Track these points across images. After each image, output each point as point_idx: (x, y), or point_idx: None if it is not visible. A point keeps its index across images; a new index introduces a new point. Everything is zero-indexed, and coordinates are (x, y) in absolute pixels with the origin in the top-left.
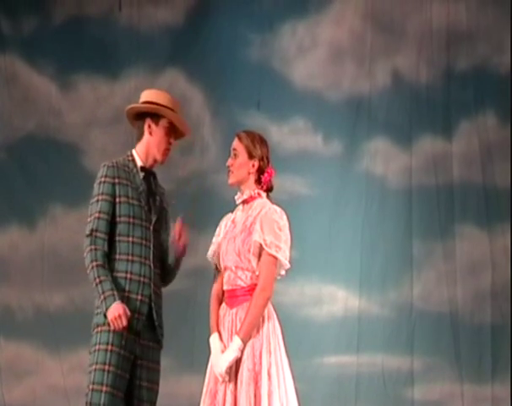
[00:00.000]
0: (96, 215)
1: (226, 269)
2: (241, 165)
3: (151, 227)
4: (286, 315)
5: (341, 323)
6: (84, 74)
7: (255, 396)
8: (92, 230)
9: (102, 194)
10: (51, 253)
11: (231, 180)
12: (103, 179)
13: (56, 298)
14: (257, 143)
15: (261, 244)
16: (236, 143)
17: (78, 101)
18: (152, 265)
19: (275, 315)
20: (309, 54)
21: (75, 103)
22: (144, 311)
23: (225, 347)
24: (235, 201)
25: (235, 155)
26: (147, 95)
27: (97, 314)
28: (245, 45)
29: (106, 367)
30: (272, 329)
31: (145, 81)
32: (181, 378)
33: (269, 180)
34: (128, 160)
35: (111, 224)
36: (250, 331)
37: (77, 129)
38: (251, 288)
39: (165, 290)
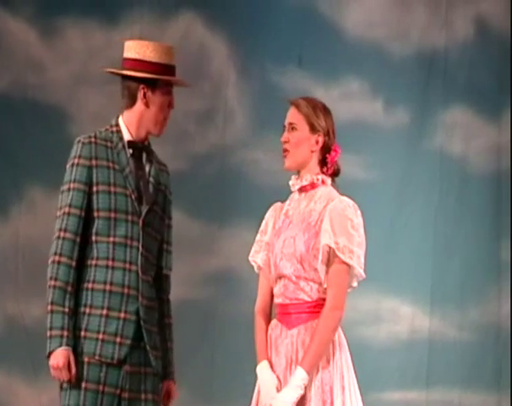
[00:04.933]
0: (66, 209)
1: (280, 278)
2: (300, 141)
3: (140, 222)
4: None
5: (406, 348)
6: (72, 18)
7: None
8: (60, 230)
9: (74, 181)
10: (27, 249)
11: (289, 163)
12: (76, 161)
13: (33, 307)
14: (320, 112)
15: (333, 250)
16: (292, 113)
17: (65, 51)
18: (140, 271)
19: (345, 340)
20: None
21: (61, 55)
22: (128, 333)
23: (278, 380)
24: (268, 186)
25: (292, 128)
26: (134, 49)
27: None
28: None
29: None
30: (345, 358)
31: (152, 28)
32: None
33: (336, 161)
34: (112, 132)
35: (88, 220)
36: (318, 361)
37: (63, 88)
38: (317, 304)
39: (175, 300)
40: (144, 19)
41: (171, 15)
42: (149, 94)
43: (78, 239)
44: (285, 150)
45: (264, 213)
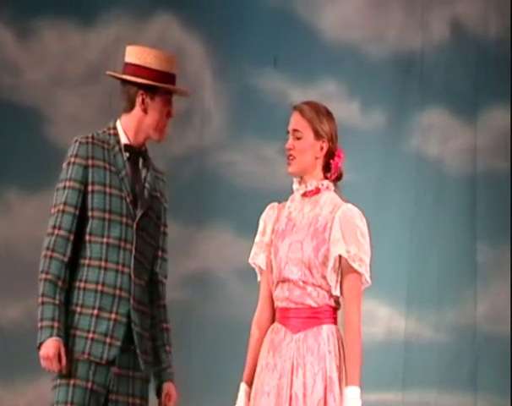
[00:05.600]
0: (61, 207)
1: (284, 281)
2: (305, 148)
3: (135, 225)
4: None
5: (383, 350)
6: (48, 19)
7: None
8: (54, 227)
9: (70, 179)
10: (4, 250)
11: (293, 169)
12: (72, 160)
13: (10, 309)
14: (323, 117)
15: (345, 259)
16: (296, 119)
17: (42, 53)
18: (133, 274)
19: None
20: None
21: (37, 56)
22: (118, 335)
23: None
24: (246, 188)
25: (297, 135)
26: (135, 54)
27: None
28: None
29: None
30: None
31: (128, 29)
32: None
33: (340, 166)
34: (109, 134)
35: (83, 219)
36: (360, 371)
37: (39, 90)
38: (322, 310)
39: None
40: (121, 21)
41: (148, 17)
42: (147, 100)
43: (71, 237)
44: (290, 156)
45: (242, 214)
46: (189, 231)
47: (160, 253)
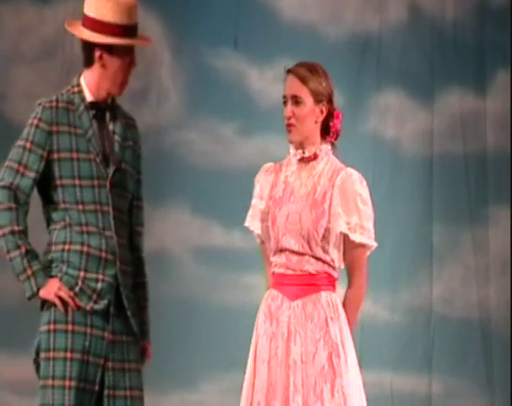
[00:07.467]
0: (21, 168)
1: (281, 250)
2: (306, 114)
3: (108, 184)
4: None
5: None
6: None
7: None
8: (11, 184)
9: (32, 142)
10: None
11: (294, 137)
12: (36, 122)
13: None
14: (321, 77)
15: (347, 234)
16: (295, 84)
17: None
18: (115, 236)
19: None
20: None
21: None
22: (107, 296)
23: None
24: (202, 167)
25: (296, 102)
26: (93, 6)
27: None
28: None
29: (67, 382)
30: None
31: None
32: None
33: (339, 127)
34: (74, 92)
35: (52, 189)
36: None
37: None
38: (322, 277)
39: None
40: None
41: None
42: (105, 56)
43: (29, 202)
44: (291, 125)
45: (199, 194)
46: (145, 210)
47: (135, 202)
